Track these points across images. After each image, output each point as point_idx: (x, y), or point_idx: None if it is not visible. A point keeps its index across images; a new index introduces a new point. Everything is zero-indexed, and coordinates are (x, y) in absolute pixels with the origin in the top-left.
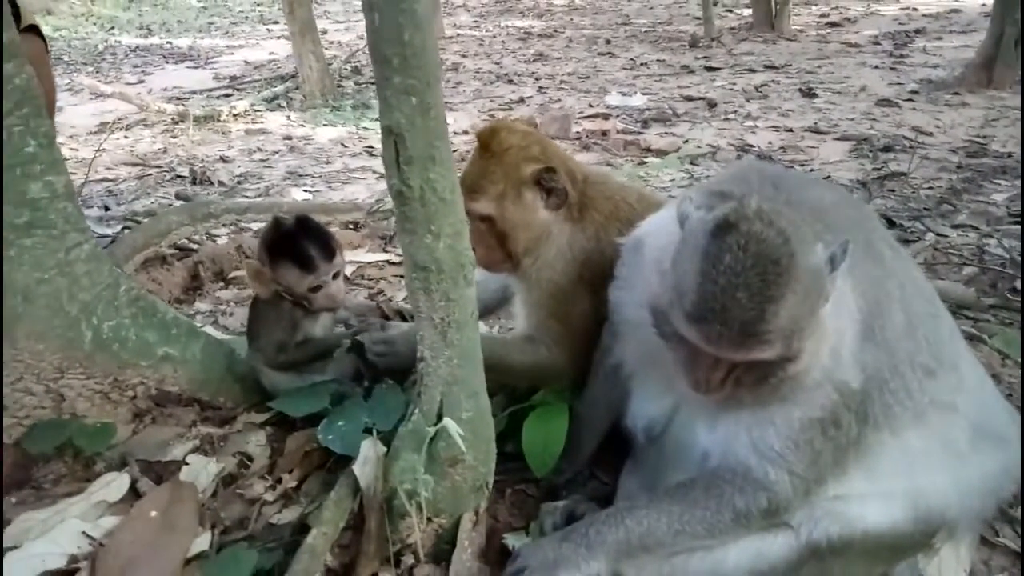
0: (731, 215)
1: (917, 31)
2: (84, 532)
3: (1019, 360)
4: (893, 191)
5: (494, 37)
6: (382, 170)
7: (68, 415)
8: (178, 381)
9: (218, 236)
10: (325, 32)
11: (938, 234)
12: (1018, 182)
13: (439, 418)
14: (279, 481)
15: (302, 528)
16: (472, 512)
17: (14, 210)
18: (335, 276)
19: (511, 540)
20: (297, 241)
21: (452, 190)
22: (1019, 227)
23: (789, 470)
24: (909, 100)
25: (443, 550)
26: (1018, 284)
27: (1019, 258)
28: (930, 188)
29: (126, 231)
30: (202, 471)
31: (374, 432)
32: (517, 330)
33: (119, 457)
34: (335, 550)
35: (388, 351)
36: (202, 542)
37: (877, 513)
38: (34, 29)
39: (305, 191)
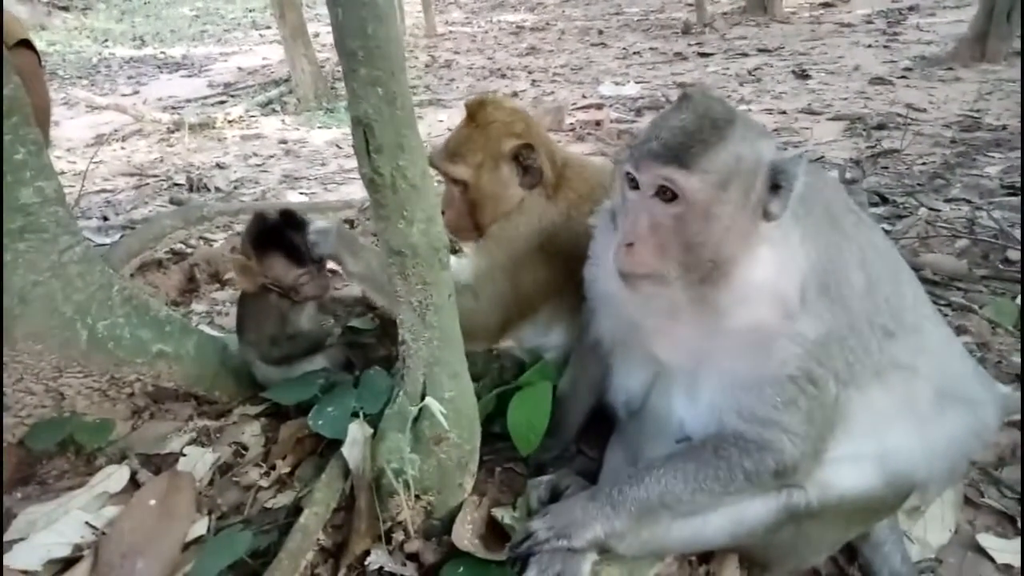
0: (691, 90)
1: (910, 8)
2: (87, 522)
3: (1010, 328)
4: (887, 168)
5: (486, 32)
6: None
7: (68, 413)
8: (173, 377)
9: (213, 240)
10: (317, 35)
11: (931, 208)
12: (1011, 154)
13: (422, 398)
14: (273, 468)
15: (296, 511)
16: (476, 496)
17: (7, 216)
18: (320, 265)
19: (499, 513)
20: (282, 233)
21: (423, 176)
22: (1011, 198)
23: (783, 429)
24: (903, 77)
25: (432, 526)
26: (1010, 255)
27: (1009, 229)
28: (923, 164)
29: (122, 237)
30: (199, 461)
31: (361, 415)
32: (458, 276)
33: (119, 451)
34: (328, 529)
35: (321, 240)
36: (200, 527)
37: (850, 476)
38: (26, 43)
39: (301, 193)
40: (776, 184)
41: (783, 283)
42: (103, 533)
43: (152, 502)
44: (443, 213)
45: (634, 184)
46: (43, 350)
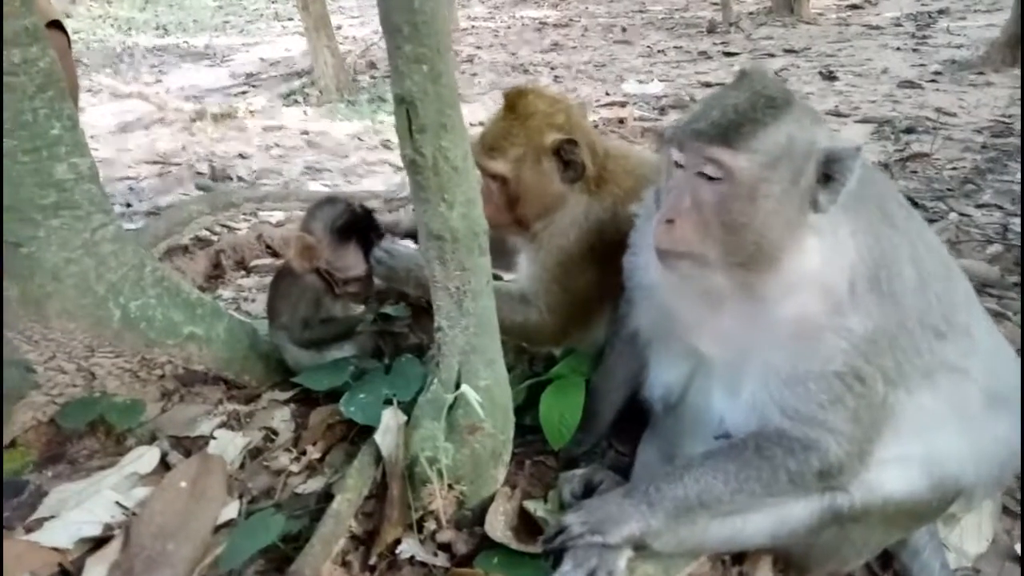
0: (750, 68)
1: (940, 11)
2: (117, 502)
3: None
4: (916, 172)
5: (509, 28)
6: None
7: (99, 393)
8: (204, 360)
9: (238, 229)
10: (340, 27)
11: (962, 214)
12: None
13: (457, 386)
14: (303, 453)
15: (327, 497)
16: (508, 488)
17: (40, 191)
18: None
19: (531, 506)
20: (366, 228)
21: (465, 158)
22: None
23: (829, 429)
24: (932, 81)
25: (464, 516)
26: None
27: None
28: (954, 169)
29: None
30: (229, 445)
31: (395, 402)
32: (514, 286)
33: (149, 433)
34: (359, 517)
35: (387, 260)
36: (231, 510)
37: (896, 479)
38: (57, 24)
39: (323, 185)
40: (828, 175)
41: (831, 275)
42: (134, 514)
43: (183, 484)
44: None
45: (680, 163)
46: (75, 329)
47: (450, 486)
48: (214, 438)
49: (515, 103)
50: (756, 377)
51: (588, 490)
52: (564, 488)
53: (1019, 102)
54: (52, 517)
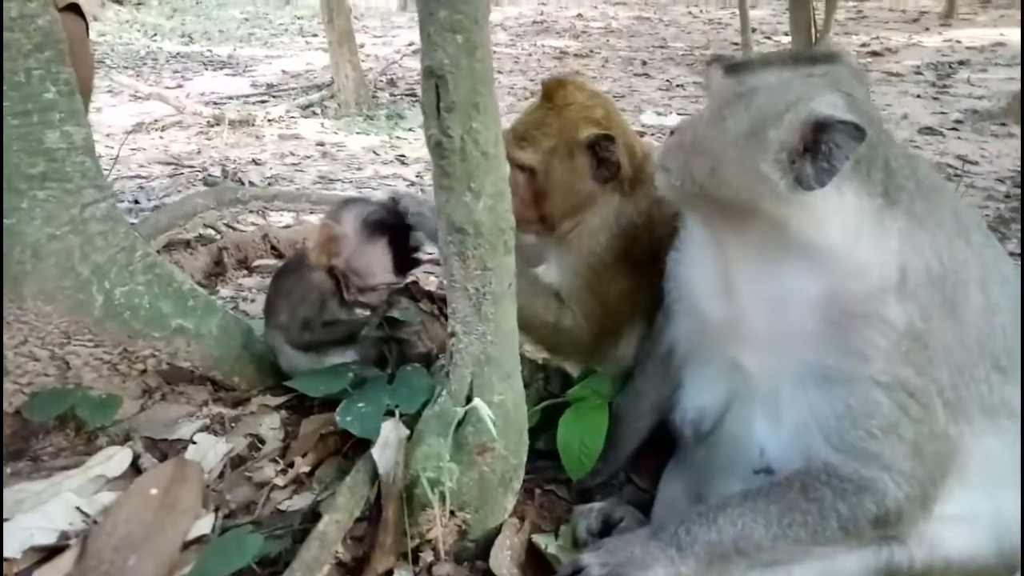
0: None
1: (960, 62)
2: (78, 507)
3: None
4: None
5: (530, 55)
6: (413, 178)
7: (73, 384)
8: (191, 356)
9: (244, 229)
10: (363, 46)
11: None
12: None
13: (468, 400)
14: (291, 465)
15: (313, 516)
16: (516, 518)
17: (28, 159)
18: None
19: (541, 541)
20: (404, 234)
21: (496, 144)
22: None
23: (885, 466)
24: (953, 129)
25: (466, 548)
26: None
27: None
28: None
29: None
30: (210, 451)
31: (396, 414)
32: (550, 281)
33: (123, 433)
34: (348, 541)
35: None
36: (204, 524)
37: (962, 538)
38: (75, 8)
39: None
40: (815, 146)
41: (865, 256)
42: (95, 521)
43: (153, 491)
44: None
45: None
46: (52, 312)
47: (452, 513)
48: (194, 442)
49: (552, 93)
50: (795, 388)
51: (606, 527)
52: (579, 523)
53: None
54: (4, 520)
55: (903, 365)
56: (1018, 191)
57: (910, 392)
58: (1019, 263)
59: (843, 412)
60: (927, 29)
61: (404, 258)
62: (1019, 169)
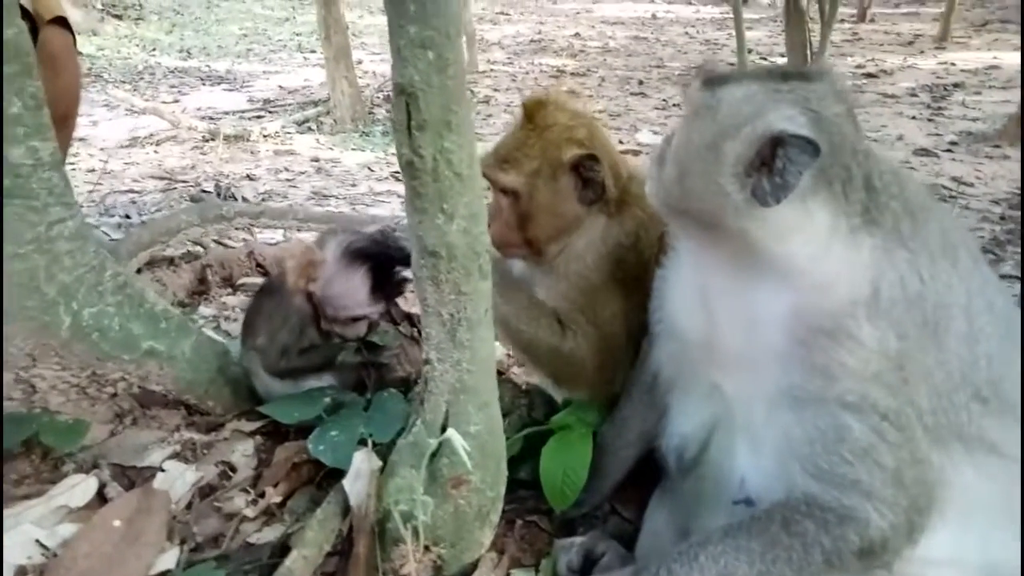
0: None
1: (955, 85)
2: (37, 540)
3: None
4: None
5: (527, 74)
6: None
7: (38, 409)
8: (163, 380)
9: (231, 244)
10: (360, 62)
11: None
12: None
13: (443, 430)
14: (262, 495)
15: (283, 549)
16: (495, 552)
17: None
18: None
19: None
20: (390, 265)
21: (470, 164)
22: None
23: (867, 494)
24: (948, 151)
25: None
26: None
27: None
28: None
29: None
30: (178, 479)
31: (369, 443)
32: (548, 303)
33: (91, 459)
34: None
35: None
36: (168, 559)
37: None
38: (62, 21)
39: (328, 211)
40: (773, 161)
41: (832, 271)
42: (54, 555)
43: (116, 523)
44: (488, 226)
45: None
46: (16, 333)
47: (427, 548)
48: (163, 470)
49: (534, 113)
50: (770, 412)
51: (588, 563)
52: (560, 559)
53: None
54: None
55: (874, 385)
56: (1013, 213)
57: (883, 415)
58: (1012, 286)
59: (814, 436)
60: (922, 52)
61: (386, 290)
62: (1015, 191)
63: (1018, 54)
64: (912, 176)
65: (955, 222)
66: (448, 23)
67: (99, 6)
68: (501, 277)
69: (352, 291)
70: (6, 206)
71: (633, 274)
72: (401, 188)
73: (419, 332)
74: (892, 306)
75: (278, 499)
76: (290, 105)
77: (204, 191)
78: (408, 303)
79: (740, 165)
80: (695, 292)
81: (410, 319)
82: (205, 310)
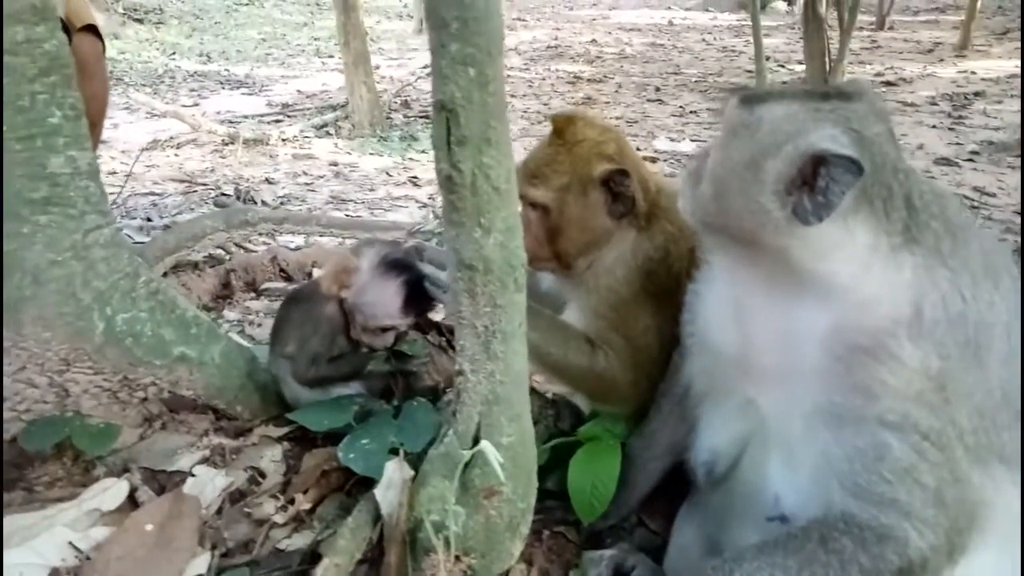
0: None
1: (976, 94)
2: (71, 542)
3: None
4: None
5: (543, 80)
6: (425, 199)
7: (71, 412)
8: (193, 385)
9: (254, 249)
10: (378, 67)
11: None
12: None
13: (475, 441)
14: (291, 502)
15: (313, 556)
16: (524, 563)
17: (30, 183)
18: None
19: None
20: (418, 278)
21: (508, 179)
22: None
23: (906, 513)
24: (969, 160)
25: None
26: None
27: None
28: None
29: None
30: (208, 484)
31: (401, 453)
32: (577, 325)
33: (122, 463)
34: None
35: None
36: (200, 563)
37: None
38: (92, 29)
39: (347, 215)
40: (814, 180)
41: (873, 291)
42: (88, 558)
43: (148, 527)
44: None
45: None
46: (52, 338)
47: (457, 558)
48: (193, 475)
49: (563, 129)
50: (807, 429)
51: (617, 575)
52: (590, 572)
53: None
54: None
55: (915, 405)
56: None
57: (924, 434)
58: None
59: (853, 455)
60: (942, 60)
61: (418, 304)
62: None
63: None
64: (952, 195)
65: (995, 242)
66: (490, 41)
67: (120, 10)
68: None
69: (385, 301)
70: (45, 215)
71: (663, 287)
72: (419, 193)
73: (448, 341)
74: (934, 325)
75: (307, 506)
76: (308, 109)
77: (224, 194)
78: (436, 312)
79: (781, 183)
80: (729, 307)
81: (439, 328)
82: (230, 314)
